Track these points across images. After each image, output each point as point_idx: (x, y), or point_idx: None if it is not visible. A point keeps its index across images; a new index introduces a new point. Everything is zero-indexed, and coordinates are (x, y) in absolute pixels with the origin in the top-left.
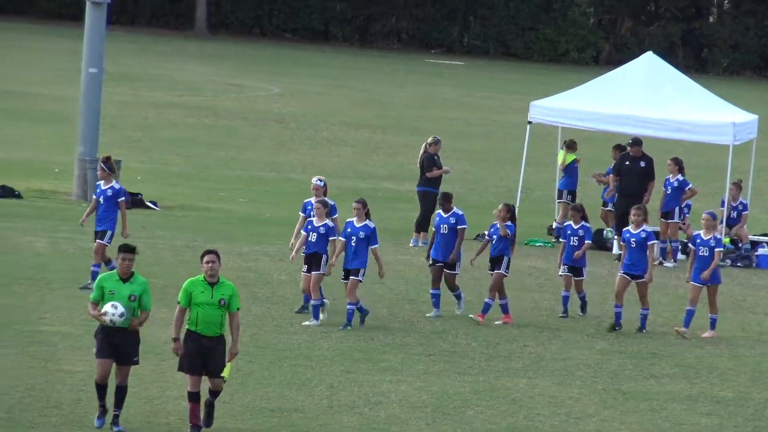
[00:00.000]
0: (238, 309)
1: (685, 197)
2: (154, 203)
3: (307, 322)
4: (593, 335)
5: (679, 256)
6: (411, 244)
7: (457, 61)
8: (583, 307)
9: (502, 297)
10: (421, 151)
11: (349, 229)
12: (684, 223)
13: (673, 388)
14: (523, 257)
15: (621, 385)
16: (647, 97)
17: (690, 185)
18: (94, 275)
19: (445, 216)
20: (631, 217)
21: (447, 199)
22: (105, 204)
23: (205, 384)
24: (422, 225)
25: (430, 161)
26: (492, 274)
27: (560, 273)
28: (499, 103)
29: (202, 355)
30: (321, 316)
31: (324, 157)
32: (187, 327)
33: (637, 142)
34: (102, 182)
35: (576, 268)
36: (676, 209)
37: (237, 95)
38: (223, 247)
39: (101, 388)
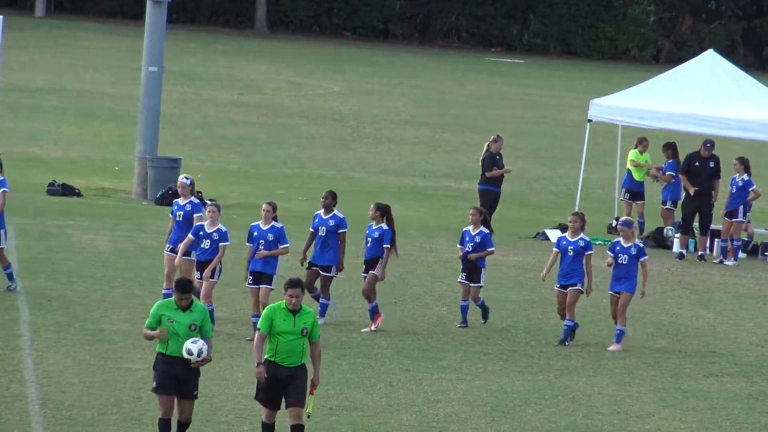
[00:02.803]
0: (318, 338)
1: (749, 198)
2: (214, 201)
3: None
4: (653, 334)
5: (740, 254)
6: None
7: (517, 59)
8: (484, 314)
9: (371, 300)
10: (484, 150)
11: (255, 233)
12: (747, 222)
13: (733, 387)
14: None
15: (681, 383)
16: (708, 96)
17: (754, 186)
18: None
19: (324, 218)
20: (569, 224)
21: (333, 198)
22: None
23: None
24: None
25: (490, 160)
26: (365, 277)
27: (459, 280)
28: (559, 101)
29: (281, 385)
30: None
31: (383, 156)
32: (266, 356)
33: (711, 145)
34: None
35: (473, 275)
36: (740, 208)
37: (296, 94)
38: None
39: (165, 425)
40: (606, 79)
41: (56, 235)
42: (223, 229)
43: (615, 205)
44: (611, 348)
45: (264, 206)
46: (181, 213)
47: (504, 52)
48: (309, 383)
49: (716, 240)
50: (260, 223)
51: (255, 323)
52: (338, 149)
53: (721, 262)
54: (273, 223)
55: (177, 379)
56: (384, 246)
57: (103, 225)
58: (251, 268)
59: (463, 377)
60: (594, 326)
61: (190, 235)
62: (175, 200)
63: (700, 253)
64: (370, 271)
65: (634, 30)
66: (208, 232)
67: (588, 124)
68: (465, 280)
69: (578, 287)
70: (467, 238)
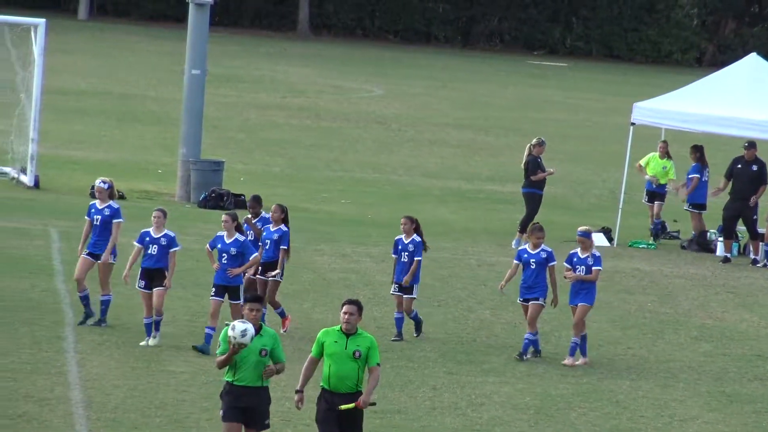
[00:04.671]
0: (378, 364)
1: None
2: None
3: (143, 342)
4: (697, 338)
5: None
6: (513, 245)
7: (559, 63)
8: (417, 327)
9: (276, 306)
10: (526, 153)
11: (219, 245)
12: None
13: None
14: (627, 259)
15: (725, 387)
16: (751, 99)
17: None
18: None
19: (255, 220)
20: (531, 238)
21: (258, 202)
22: None
23: None
24: (526, 225)
25: (534, 164)
26: (264, 281)
27: (391, 292)
28: (602, 104)
29: (336, 417)
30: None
31: (426, 158)
32: (320, 385)
33: (752, 145)
34: None
35: (406, 288)
36: None
37: (339, 96)
38: (326, 248)
39: None
40: (649, 83)
41: None
42: (171, 234)
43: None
44: (566, 361)
45: (223, 217)
46: (99, 217)
47: (547, 55)
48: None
49: (761, 244)
50: (224, 235)
51: (208, 335)
52: (381, 152)
53: (765, 265)
54: (236, 235)
55: (246, 409)
56: (282, 248)
57: (146, 227)
58: (215, 281)
59: (506, 380)
60: (638, 329)
61: (136, 244)
62: (92, 203)
63: (753, 257)
64: (270, 278)
65: (677, 33)
66: (155, 237)
67: (631, 127)
68: (397, 292)
69: (540, 301)
70: (400, 247)
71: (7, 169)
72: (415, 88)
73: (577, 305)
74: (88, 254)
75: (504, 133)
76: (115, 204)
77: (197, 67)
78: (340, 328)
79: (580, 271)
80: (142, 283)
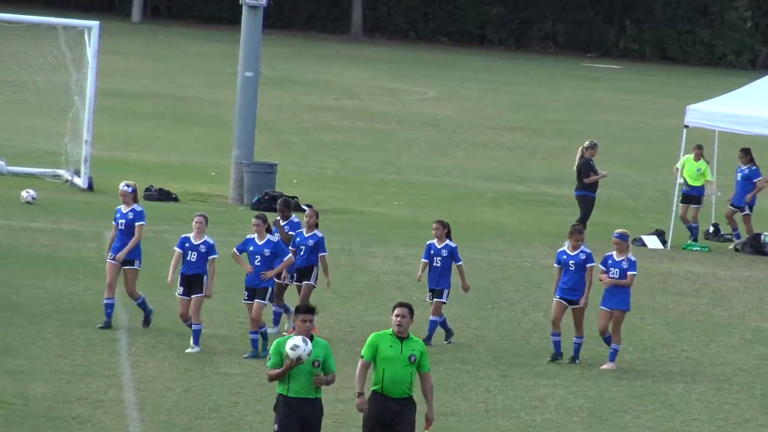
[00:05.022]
0: (429, 370)
1: None
2: (309, 206)
3: (189, 350)
4: (751, 340)
5: None
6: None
7: (613, 65)
8: (429, 336)
9: None
10: (578, 156)
11: (251, 248)
12: None
13: None
14: (680, 262)
15: None
16: None
17: None
18: None
19: (283, 223)
20: (571, 240)
21: (288, 206)
22: None
23: None
24: None
25: (586, 167)
26: (300, 286)
27: (427, 299)
28: (656, 106)
29: (388, 420)
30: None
31: (480, 161)
32: (372, 388)
33: None
34: None
35: (437, 290)
36: None
37: (392, 99)
38: (379, 250)
39: None
40: (702, 85)
41: (153, 240)
42: (211, 241)
43: (713, 211)
44: (605, 366)
45: (253, 221)
46: (123, 221)
47: (600, 57)
48: (418, 417)
49: None
50: (255, 237)
51: (253, 340)
52: (434, 154)
53: None
54: (268, 237)
55: (301, 420)
56: (321, 254)
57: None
58: (247, 283)
59: (560, 383)
60: (692, 332)
61: (177, 249)
62: (118, 207)
63: None
64: (305, 281)
65: (731, 36)
66: (195, 243)
67: (684, 129)
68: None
69: (581, 305)
70: (432, 251)
71: (61, 172)
72: (468, 90)
73: (609, 308)
74: (114, 258)
75: (558, 135)
76: (138, 207)
77: (250, 69)
78: (392, 331)
79: (613, 274)
80: (181, 289)
